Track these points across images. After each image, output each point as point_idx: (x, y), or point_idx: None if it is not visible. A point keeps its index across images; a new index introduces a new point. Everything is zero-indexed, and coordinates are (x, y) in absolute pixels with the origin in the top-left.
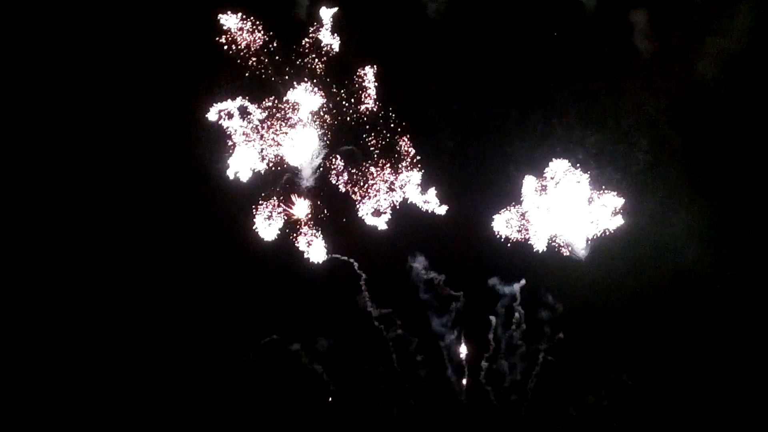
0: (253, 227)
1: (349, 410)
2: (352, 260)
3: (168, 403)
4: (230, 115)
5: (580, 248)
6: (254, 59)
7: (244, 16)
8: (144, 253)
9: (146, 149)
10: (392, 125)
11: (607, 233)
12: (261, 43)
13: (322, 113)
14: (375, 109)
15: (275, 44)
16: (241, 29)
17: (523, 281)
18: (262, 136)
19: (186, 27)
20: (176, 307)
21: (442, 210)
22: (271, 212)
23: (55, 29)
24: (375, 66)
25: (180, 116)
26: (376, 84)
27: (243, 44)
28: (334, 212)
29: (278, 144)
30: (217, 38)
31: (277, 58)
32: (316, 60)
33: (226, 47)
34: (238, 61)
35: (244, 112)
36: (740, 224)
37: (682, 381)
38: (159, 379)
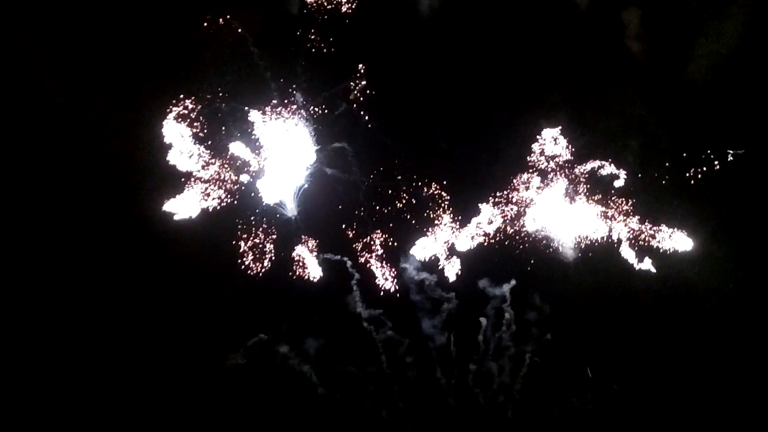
0: (241, 227)
1: (338, 412)
2: (345, 258)
3: (152, 405)
4: (218, 120)
5: (568, 250)
6: (244, 62)
7: (229, 17)
8: (128, 254)
9: (141, 149)
10: (383, 127)
11: (596, 235)
12: (250, 43)
13: (312, 113)
14: (366, 110)
15: (264, 46)
16: (229, 30)
17: (513, 282)
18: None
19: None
20: (162, 307)
21: (431, 211)
22: (260, 213)
23: None
24: (365, 66)
25: (163, 119)
26: (367, 86)
27: (230, 47)
28: (326, 212)
29: (265, 146)
30: (204, 41)
31: (266, 59)
32: (305, 62)
33: (210, 52)
34: (225, 63)
35: (233, 114)
36: (729, 227)
37: (668, 386)
38: (143, 380)
